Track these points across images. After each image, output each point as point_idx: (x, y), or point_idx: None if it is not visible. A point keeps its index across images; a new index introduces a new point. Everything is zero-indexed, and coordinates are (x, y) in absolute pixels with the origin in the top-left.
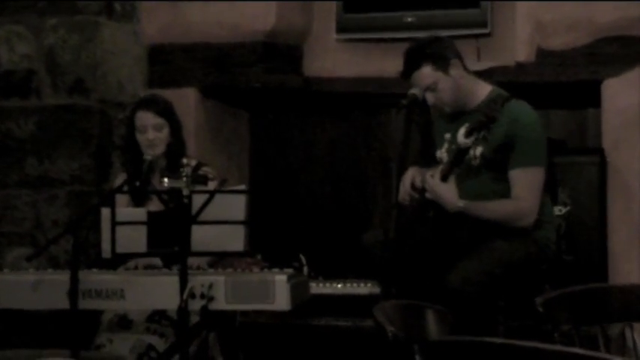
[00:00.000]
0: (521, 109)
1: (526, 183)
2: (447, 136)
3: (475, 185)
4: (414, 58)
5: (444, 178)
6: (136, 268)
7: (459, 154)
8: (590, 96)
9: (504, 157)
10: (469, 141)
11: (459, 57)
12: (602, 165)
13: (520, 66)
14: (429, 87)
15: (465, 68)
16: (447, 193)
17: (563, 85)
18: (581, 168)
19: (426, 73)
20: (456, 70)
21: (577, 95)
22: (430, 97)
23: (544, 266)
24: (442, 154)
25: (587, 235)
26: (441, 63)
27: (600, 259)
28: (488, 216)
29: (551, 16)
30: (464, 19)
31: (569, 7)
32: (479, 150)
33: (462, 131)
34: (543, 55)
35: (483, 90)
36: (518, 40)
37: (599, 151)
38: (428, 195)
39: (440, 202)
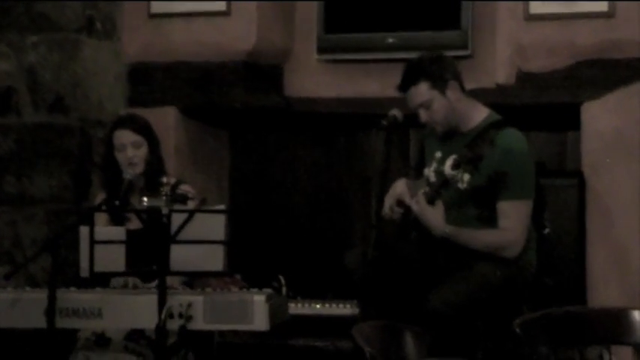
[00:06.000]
0: (514, 140)
1: (514, 215)
2: (438, 154)
3: (458, 216)
4: (413, 73)
5: (430, 202)
6: (125, 286)
7: (444, 184)
8: (569, 119)
9: (493, 187)
10: (455, 173)
11: (458, 79)
12: (581, 188)
13: (500, 88)
14: (423, 104)
15: (463, 90)
16: (434, 217)
17: (543, 107)
18: (560, 190)
19: (423, 90)
20: (452, 92)
21: (557, 118)
22: (423, 115)
23: (525, 290)
24: (430, 172)
25: (566, 258)
26: (439, 82)
27: (579, 282)
28: (474, 244)
29: (531, 39)
30: (445, 41)
31: (550, 30)
32: (466, 176)
33: (448, 162)
34: (523, 77)
35: (479, 114)
36: (498, 63)
37: (579, 174)
38: (414, 209)
39: (426, 226)
